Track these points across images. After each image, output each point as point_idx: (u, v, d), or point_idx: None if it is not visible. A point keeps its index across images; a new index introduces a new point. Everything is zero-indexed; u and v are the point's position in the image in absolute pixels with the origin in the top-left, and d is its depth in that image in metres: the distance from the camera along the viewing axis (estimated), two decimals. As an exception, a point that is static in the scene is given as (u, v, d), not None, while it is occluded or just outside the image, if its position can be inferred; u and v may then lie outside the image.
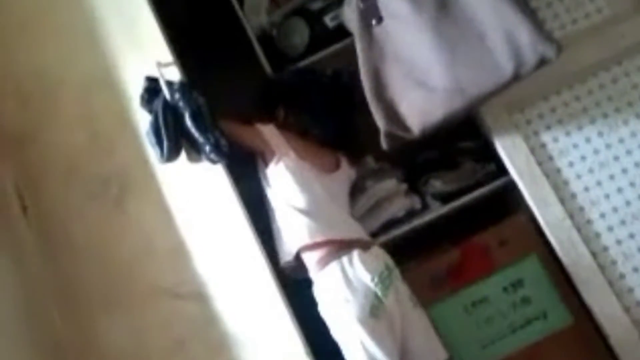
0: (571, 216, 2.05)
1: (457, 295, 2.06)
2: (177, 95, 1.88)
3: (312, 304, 1.91)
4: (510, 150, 2.09)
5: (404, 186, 2.19)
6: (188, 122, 1.86)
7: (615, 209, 2.06)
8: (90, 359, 1.89)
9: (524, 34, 1.89)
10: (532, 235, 2.09)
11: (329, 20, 2.28)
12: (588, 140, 2.11)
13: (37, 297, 1.87)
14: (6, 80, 2.11)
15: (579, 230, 2.03)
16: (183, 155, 1.91)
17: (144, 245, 1.97)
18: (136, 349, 1.89)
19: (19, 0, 2.17)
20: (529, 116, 2.13)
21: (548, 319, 2.03)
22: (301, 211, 1.92)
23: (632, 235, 2.04)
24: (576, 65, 2.10)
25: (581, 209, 2.07)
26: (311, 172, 2.00)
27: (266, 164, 2.00)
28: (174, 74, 1.97)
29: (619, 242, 2.04)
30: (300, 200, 1.94)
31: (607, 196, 2.07)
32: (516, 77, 1.91)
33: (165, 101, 1.88)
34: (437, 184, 2.19)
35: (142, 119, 1.97)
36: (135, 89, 1.97)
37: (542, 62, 1.90)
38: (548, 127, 2.12)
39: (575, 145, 2.11)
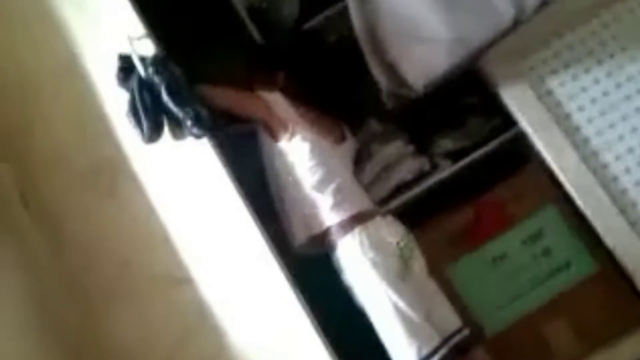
0: (586, 161, 1.99)
1: (476, 253, 2.01)
2: (150, 70, 1.74)
3: (319, 284, 1.86)
4: (517, 100, 2.04)
5: (411, 147, 2.12)
6: (165, 97, 1.72)
7: (630, 150, 2.00)
8: (96, 344, 1.86)
9: (522, -24, 1.83)
10: (546, 185, 2.03)
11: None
12: (597, 81, 2.04)
13: (44, 289, 1.84)
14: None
15: (595, 174, 1.98)
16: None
17: (140, 232, 1.91)
18: (142, 336, 1.85)
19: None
20: (532, 63, 2.06)
21: (571, 268, 1.98)
22: (325, 186, 1.86)
23: (650, 175, 1.98)
24: (577, 5, 2.03)
25: (595, 153, 2.01)
26: (327, 144, 1.94)
27: (275, 137, 1.89)
28: (149, 48, 1.84)
29: (637, 183, 1.99)
30: (323, 174, 1.87)
31: (621, 137, 2.01)
32: (517, 22, 1.86)
33: (140, 78, 1.75)
34: (446, 143, 2.12)
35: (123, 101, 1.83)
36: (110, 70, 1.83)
37: (543, 4, 1.85)
38: (554, 72, 2.05)
39: (584, 89, 2.04)
